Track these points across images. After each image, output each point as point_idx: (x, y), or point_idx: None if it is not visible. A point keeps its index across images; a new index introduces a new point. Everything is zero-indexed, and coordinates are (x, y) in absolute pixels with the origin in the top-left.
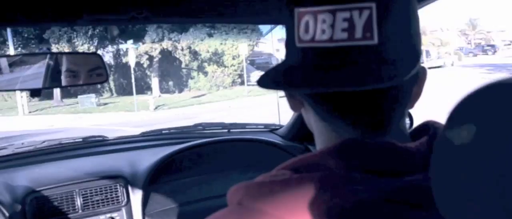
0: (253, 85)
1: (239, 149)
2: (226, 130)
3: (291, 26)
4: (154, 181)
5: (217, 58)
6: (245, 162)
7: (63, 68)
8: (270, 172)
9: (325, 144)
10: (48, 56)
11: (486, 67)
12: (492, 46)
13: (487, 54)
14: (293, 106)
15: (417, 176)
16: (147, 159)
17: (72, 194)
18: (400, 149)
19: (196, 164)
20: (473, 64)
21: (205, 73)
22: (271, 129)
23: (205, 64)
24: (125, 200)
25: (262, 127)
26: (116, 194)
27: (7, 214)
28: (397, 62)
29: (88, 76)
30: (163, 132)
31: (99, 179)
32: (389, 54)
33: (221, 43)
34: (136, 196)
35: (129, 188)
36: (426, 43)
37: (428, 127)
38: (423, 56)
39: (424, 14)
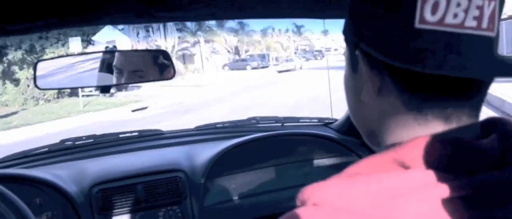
0: (90, 96)
1: (294, 143)
2: (280, 124)
3: (406, 4)
4: (213, 174)
5: (33, 59)
6: (300, 156)
7: (129, 65)
8: (344, 170)
9: (403, 137)
10: (116, 53)
11: (331, 69)
12: (319, 51)
13: (316, 59)
14: (365, 92)
15: (492, 173)
16: (204, 152)
17: (136, 187)
18: (480, 146)
19: (251, 158)
20: (316, 67)
21: (15, 82)
22: (325, 122)
23: (15, 68)
24: (185, 193)
25: (316, 120)
26: (176, 187)
27: (74, 205)
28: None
29: (155, 73)
30: (217, 125)
31: (161, 173)
32: (495, 49)
33: (41, 37)
34: (195, 189)
35: (189, 181)
36: (273, 46)
37: (495, 123)
38: (271, 60)
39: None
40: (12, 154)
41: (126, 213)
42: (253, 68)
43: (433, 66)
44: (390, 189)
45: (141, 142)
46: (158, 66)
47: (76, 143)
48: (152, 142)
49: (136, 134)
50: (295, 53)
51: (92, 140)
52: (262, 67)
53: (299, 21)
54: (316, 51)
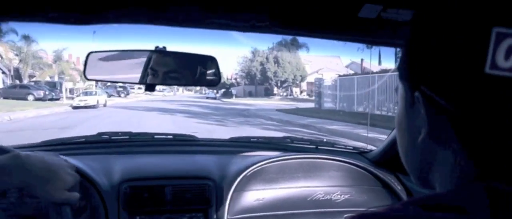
0: None
1: (326, 168)
2: (314, 146)
3: (476, 47)
4: (241, 187)
5: None
6: (331, 182)
7: (178, 66)
8: (393, 205)
9: (453, 183)
10: (164, 53)
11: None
12: (125, 88)
13: (120, 96)
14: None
15: None
16: (235, 164)
17: (164, 188)
18: None
19: (281, 176)
20: (122, 105)
21: None
22: (360, 151)
23: None
24: (212, 201)
25: (351, 148)
26: (204, 194)
27: (102, 198)
28: None
29: (200, 77)
30: (251, 139)
31: (190, 178)
32: None
33: None
34: (222, 199)
35: (217, 191)
36: (68, 73)
37: None
38: (65, 91)
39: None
40: (50, 140)
41: (151, 213)
42: (37, 99)
43: (503, 122)
44: None
45: (175, 145)
46: (205, 71)
47: (112, 137)
48: (185, 147)
49: (171, 137)
50: (96, 85)
51: (127, 137)
52: (51, 99)
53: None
54: (121, 87)
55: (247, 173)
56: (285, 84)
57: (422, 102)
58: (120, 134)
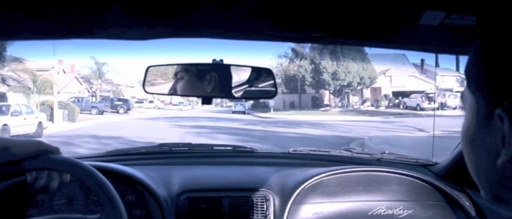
0: None
1: (389, 182)
2: (376, 159)
3: None
4: (299, 200)
5: None
6: (393, 196)
7: (234, 79)
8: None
9: None
10: (220, 66)
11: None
12: (125, 101)
13: (117, 111)
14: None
15: None
16: (295, 176)
17: (221, 200)
18: None
19: (341, 189)
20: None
21: None
22: (424, 164)
23: None
24: (270, 214)
25: (414, 160)
26: (262, 207)
27: (161, 208)
28: None
29: (258, 89)
30: (311, 152)
31: (248, 190)
32: None
33: None
34: (280, 212)
35: (275, 203)
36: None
37: None
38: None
39: None
40: (115, 150)
41: None
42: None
43: None
44: None
45: (234, 157)
46: (262, 83)
47: (173, 148)
48: (244, 158)
49: (230, 148)
50: (79, 100)
51: (187, 148)
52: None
53: (102, 56)
54: (119, 100)
55: (306, 185)
56: (345, 90)
57: (507, 120)
58: (180, 145)
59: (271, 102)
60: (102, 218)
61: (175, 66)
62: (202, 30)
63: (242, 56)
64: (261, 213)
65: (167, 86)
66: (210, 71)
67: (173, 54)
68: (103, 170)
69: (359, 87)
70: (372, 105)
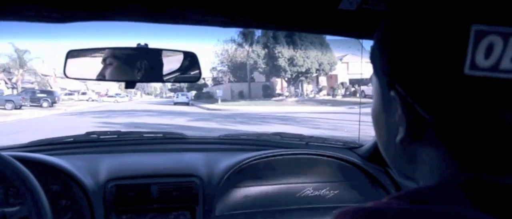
0: None
1: (316, 164)
2: (304, 143)
3: (455, 46)
4: (229, 184)
5: None
6: (320, 178)
7: (158, 63)
8: (382, 199)
9: (437, 178)
10: (145, 50)
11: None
12: (50, 93)
13: (40, 105)
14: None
15: None
16: (223, 161)
17: (150, 187)
18: None
19: (270, 173)
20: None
21: None
22: (350, 147)
23: None
24: (199, 199)
25: (341, 143)
26: (191, 192)
27: (88, 197)
28: None
29: (182, 74)
30: (241, 137)
31: (177, 176)
32: None
33: None
34: (210, 197)
35: (204, 188)
36: None
37: None
38: None
39: None
40: (39, 140)
41: (137, 211)
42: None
43: (483, 124)
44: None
45: (164, 143)
46: (186, 67)
47: (101, 136)
48: (174, 145)
49: (160, 135)
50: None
51: (116, 136)
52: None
53: (24, 43)
54: (43, 92)
55: (235, 170)
56: (300, 78)
57: (399, 102)
58: (108, 133)
59: (218, 92)
60: (22, 210)
61: (100, 51)
62: (125, 13)
63: (183, 41)
64: (190, 198)
65: (90, 71)
66: (135, 55)
67: (103, 40)
68: (24, 160)
69: (315, 74)
70: (328, 94)
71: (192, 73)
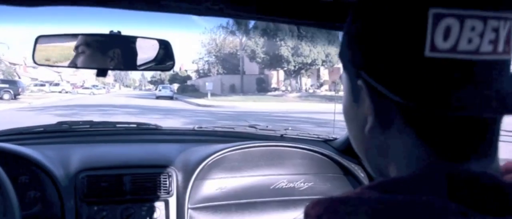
0: None
1: (291, 156)
2: (279, 135)
3: (414, 29)
4: (203, 175)
5: None
6: (295, 170)
7: (131, 51)
8: (354, 189)
9: (408, 168)
10: (118, 38)
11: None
12: (12, 83)
13: (0, 97)
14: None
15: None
16: (198, 152)
17: (122, 178)
18: (500, 184)
19: (245, 165)
20: None
21: None
22: (325, 139)
23: None
24: (172, 190)
25: (316, 136)
26: (164, 183)
27: (58, 188)
28: None
29: (154, 62)
30: (216, 128)
31: (150, 167)
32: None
33: None
34: (183, 188)
35: (178, 179)
36: None
37: None
38: None
39: None
40: (8, 129)
41: (110, 203)
42: None
43: (446, 104)
44: (396, 213)
45: (138, 134)
46: (159, 56)
47: (72, 126)
48: (148, 136)
49: (134, 125)
50: None
51: (88, 126)
52: None
53: None
54: (4, 82)
55: (209, 161)
56: (301, 71)
57: (365, 89)
58: (80, 123)
59: (208, 85)
60: None
61: (71, 37)
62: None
63: (160, 29)
64: (163, 190)
65: (60, 58)
66: (107, 42)
67: (75, 26)
68: None
69: (320, 67)
70: (330, 89)
71: (166, 62)
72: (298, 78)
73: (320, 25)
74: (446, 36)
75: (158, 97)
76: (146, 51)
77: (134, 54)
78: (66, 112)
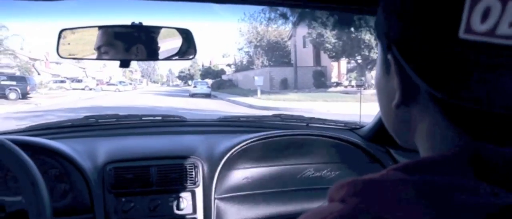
0: None
1: (317, 145)
2: (304, 124)
3: (449, 7)
4: (229, 166)
5: None
6: (321, 159)
7: (153, 41)
8: (380, 171)
9: (433, 148)
10: (140, 29)
11: None
12: (21, 80)
13: (6, 96)
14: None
15: None
16: (223, 143)
17: (149, 169)
18: None
19: (271, 154)
20: None
21: None
22: (351, 127)
23: None
24: (198, 181)
25: (342, 124)
26: (190, 174)
27: (87, 181)
28: None
29: (177, 51)
30: (241, 119)
31: (176, 158)
32: None
33: None
34: (209, 179)
35: (204, 170)
36: None
37: None
38: None
39: None
40: (37, 125)
41: (137, 194)
42: None
43: (477, 97)
44: (422, 194)
45: (163, 126)
46: (181, 45)
47: (99, 120)
48: (173, 127)
49: (159, 118)
50: None
51: (114, 120)
52: None
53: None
54: (12, 78)
55: (235, 151)
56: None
57: (393, 64)
58: (107, 116)
59: (257, 80)
60: (21, 202)
61: (93, 29)
62: None
63: (184, 20)
64: (190, 180)
65: (83, 50)
66: (129, 33)
67: (96, 19)
68: (23, 144)
69: None
70: None
71: (187, 51)
72: (365, 72)
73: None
74: (484, 17)
75: (193, 95)
76: (167, 41)
77: (156, 44)
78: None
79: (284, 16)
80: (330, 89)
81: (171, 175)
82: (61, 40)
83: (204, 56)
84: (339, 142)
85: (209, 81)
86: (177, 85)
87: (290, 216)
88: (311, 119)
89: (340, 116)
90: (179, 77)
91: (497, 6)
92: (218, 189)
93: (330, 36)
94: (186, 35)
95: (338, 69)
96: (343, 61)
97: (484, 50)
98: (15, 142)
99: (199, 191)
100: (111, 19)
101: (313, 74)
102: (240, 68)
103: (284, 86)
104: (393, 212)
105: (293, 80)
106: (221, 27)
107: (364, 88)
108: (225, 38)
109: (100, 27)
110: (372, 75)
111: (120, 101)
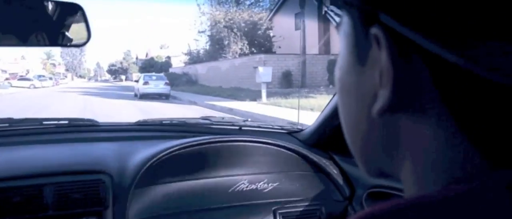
0: None
1: (252, 153)
2: (237, 128)
3: None
4: (146, 180)
5: None
6: (257, 169)
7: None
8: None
9: (437, 175)
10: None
11: None
12: None
13: None
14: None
15: None
16: (140, 152)
17: (42, 189)
18: None
19: (198, 165)
20: None
21: None
22: (290, 130)
23: None
24: (107, 201)
25: (279, 128)
26: (97, 193)
27: None
28: None
29: (62, 34)
30: (163, 122)
31: (79, 173)
32: None
33: None
34: (122, 198)
35: (114, 187)
36: None
37: None
38: None
39: None
40: None
41: None
42: None
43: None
44: None
45: (69, 132)
46: (69, 25)
47: None
48: (82, 134)
49: (65, 122)
50: None
51: (7, 124)
52: None
53: None
54: None
55: (153, 162)
56: None
57: (384, 42)
58: None
59: (262, 73)
60: None
61: None
62: None
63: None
64: (96, 202)
65: None
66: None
67: None
68: None
69: None
70: None
71: (78, 32)
72: None
73: None
74: None
75: (142, 97)
76: (51, 20)
77: (38, 23)
78: None
79: None
80: None
81: (72, 196)
82: None
83: (139, 48)
84: (277, 149)
85: (155, 75)
86: (106, 80)
87: None
88: (245, 121)
89: None
90: (109, 71)
91: None
92: (132, 210)
93: None
94: (76, 12)
95: None
96: None
97: None
98: None
99: (108, 215)
100: None
101: (328, 66)
102: (197, 58)
103: (288, 82)
104: None
105: (299, 73)
106: (160, 13)
107: None
108: (164, 28)
109: None
110: None
111: (29, 102)
